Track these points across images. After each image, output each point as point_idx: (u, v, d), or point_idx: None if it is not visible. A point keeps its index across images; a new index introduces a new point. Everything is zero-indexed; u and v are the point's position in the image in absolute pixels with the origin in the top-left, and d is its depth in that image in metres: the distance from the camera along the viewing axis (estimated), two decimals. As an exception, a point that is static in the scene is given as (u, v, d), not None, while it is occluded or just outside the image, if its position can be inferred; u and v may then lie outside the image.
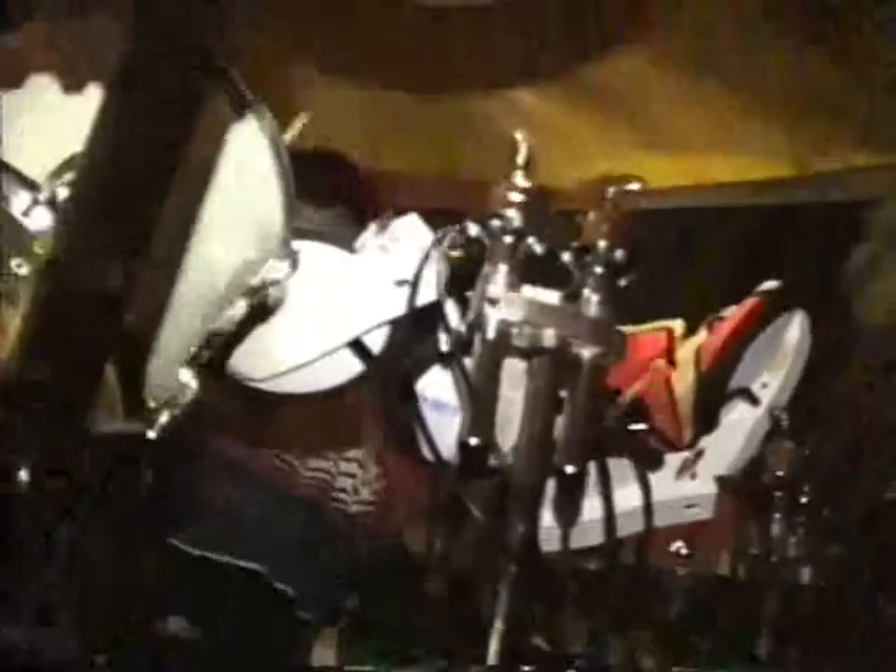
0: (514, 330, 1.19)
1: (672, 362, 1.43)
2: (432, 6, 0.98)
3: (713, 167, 1.63)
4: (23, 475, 0.88)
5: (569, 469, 1.16)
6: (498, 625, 1.14)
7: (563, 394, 1.21)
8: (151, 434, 1.06)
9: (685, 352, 1.43)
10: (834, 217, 1.63)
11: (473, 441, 1.15)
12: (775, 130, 1.62)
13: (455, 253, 1.27)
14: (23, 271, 1.04)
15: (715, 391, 1.35)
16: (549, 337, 1.19)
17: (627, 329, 1.32)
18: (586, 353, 1.19)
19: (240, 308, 1.17)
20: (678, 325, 1.45)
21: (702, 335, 1.44)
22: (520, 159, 1.22)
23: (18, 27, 1.06)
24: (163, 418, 1.10)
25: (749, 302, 1.43)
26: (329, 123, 1.49)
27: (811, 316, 1.39)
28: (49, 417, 0.89)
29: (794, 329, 1.37)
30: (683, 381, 1.41)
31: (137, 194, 0.94)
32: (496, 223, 1.21)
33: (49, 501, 0.90)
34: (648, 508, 1.28)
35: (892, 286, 1.61)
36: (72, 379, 0.91)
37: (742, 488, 1.32)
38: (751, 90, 1.62)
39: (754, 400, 1.34)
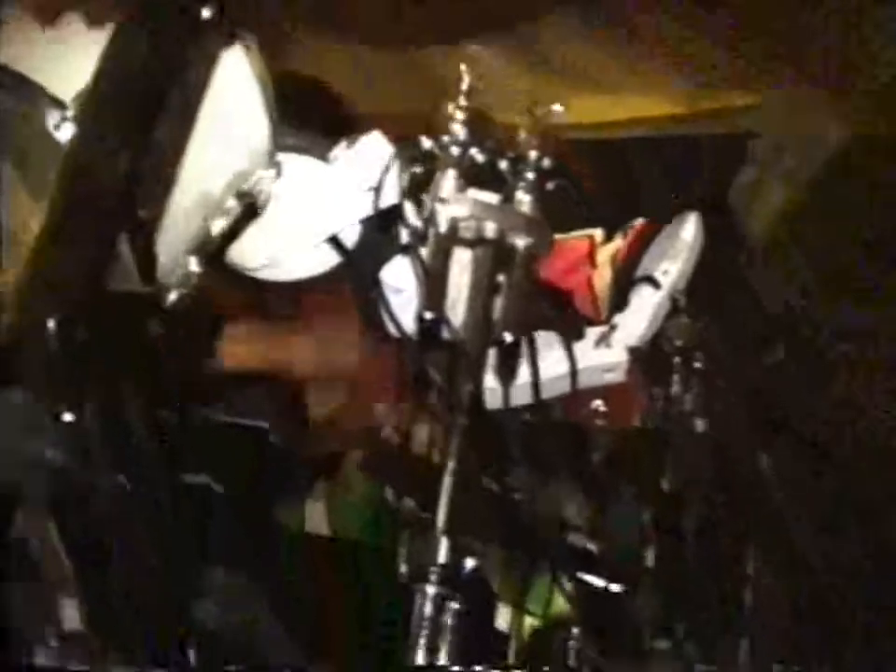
0: (462, 225, 1.18)
1: (593, 263, 1.40)
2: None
3: (625, 106, 1.61)
4: (51, 325, 0.84)
5: (507, 338, 1.13)
6: (451, 465, 1.11)
7: (501, 278, 1.18)
8: (165, 304, 1.02)
9: (603, 255, 1.41)
10: (722, 147, 1.61)
11: (428, 315, 1.13)
12: (674, 76, 1.60)
13: (412, 163, 1.23)
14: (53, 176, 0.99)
15: (624, 278, 1.32)
16: (490, 230, 1.19)
17: (560, 235, 1.30)
18: (520, 242, 1.18)
19: (233, 208, 1.13)
20: (598, 233, 1.43)
21: (617, 242, 1.42)
22: (464, 85, 1.19)
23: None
24: (173, 296, 1.07)
25: (651, 217, 1.40)
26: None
27: (705, 221, 1.37)
28: (72, 278, 0.85)
29: (689, 227, 1.36)
30: (602, 277, 1.39)
31: (139, 99, 0.91)
32: (445, 137, 1.18)
33: (74, 350, 0.85)
34: (573, 372, 1.27)
35: (768, 201, 1.59)
36: (90, 248, 0.87)
37: (648, 356, 1.30)
38: (656, 46, 1.60)
39: (657, 285, 1.33)
